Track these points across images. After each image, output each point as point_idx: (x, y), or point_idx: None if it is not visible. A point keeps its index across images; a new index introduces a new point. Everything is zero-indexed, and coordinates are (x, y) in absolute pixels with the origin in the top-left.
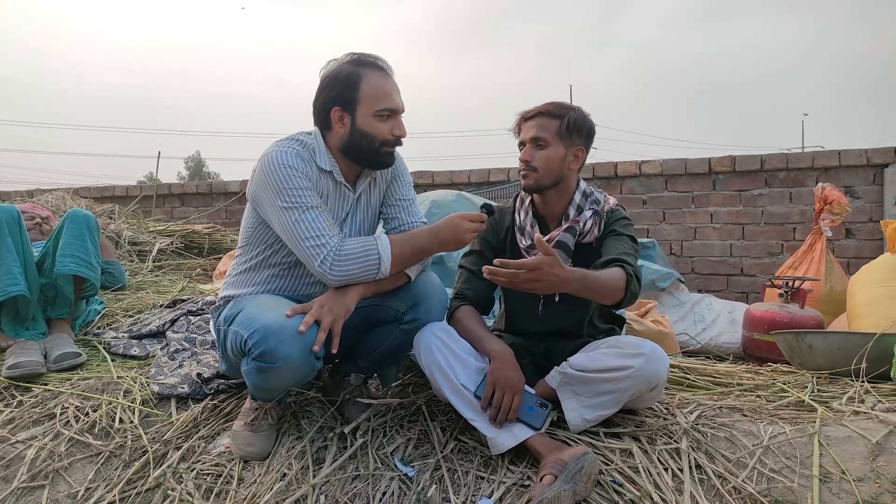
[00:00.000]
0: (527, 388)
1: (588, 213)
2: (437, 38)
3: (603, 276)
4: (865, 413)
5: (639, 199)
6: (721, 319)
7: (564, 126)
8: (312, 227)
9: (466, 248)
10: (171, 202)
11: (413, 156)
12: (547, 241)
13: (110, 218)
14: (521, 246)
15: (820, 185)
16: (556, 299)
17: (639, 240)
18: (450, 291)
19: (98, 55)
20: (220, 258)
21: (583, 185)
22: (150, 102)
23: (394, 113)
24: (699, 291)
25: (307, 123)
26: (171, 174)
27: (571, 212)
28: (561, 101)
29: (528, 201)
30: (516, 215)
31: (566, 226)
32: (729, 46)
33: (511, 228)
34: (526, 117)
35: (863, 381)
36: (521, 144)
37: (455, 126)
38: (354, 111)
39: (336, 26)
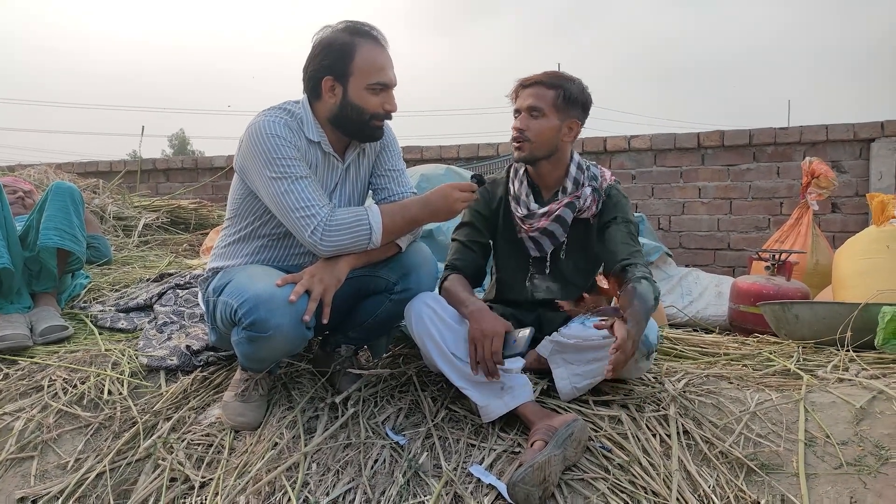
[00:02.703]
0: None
1: (588, 190)
2: (421, 16)
3: (646, 308)
4: (850, 380)
5: (628, 173)
6: (708, 293)
7: (561, 97)
8: (302, 198)
9: (458, 220)
10: (155, 178)
11: (400, 134)
12: (547, 214)
13: (94, 193)
14: (518, 215)
15: (807, 158)
16: (547, 272)
17: None
18: (441, 265)
19: (82, 38)
20: (207, 233)
21: (576, 156)
22: (132, 81)
23: (386, 87)
24: (686, 265)
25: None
26: (156, 152)
27: (569, 185)
28: (561, 71)
29: (522, 171)
30: (510, 185)
31: (566, 200)
32: (719, 25)
33: (504, 199)
34: (524, 84)
35: (847, 350)
36: (517, 112)
37: (441, 104)
38: (347, 82)
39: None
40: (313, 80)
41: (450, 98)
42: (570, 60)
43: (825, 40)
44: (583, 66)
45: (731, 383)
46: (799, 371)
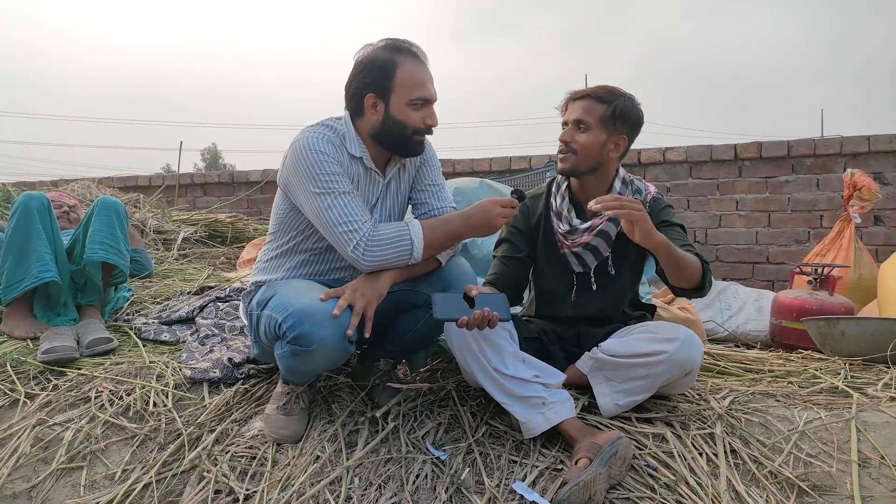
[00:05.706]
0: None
1: None
2: (451, 28)
3: (683, 253)
4: None
5: (663, 186)
6: (748, 307)
7: (609, 113)
8: (345, 213)
9: (496, 236)
10: (192, 192)
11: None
12: (589, 229)
13: (135, 207)
14: (560, 231)
15: (849, 170)
16: (594, 287)
17: None
18: (481, 280)
19: (110, 53)
20: (244, 246)
21: (622, 172)
22: (163, 96)
23: (427, 102)
24: (724, 279)
25: (319, 116)
26: (188, 166)
27: None
28: (613, 86)
29: (564, 186)
30: (552, 200)
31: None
32: (750, 38)
33: (544, 214)
34: (574, 97)
35: None
36: (565, 125)
37: (473, 117)
38: (389, 99)
39: (354, 18)
40: (356, 97)
41: (461, 107)
42: (602, 72)
43: (858, 47)
44: (608, 77)
45: (778, 401)
46: (848, 389)
